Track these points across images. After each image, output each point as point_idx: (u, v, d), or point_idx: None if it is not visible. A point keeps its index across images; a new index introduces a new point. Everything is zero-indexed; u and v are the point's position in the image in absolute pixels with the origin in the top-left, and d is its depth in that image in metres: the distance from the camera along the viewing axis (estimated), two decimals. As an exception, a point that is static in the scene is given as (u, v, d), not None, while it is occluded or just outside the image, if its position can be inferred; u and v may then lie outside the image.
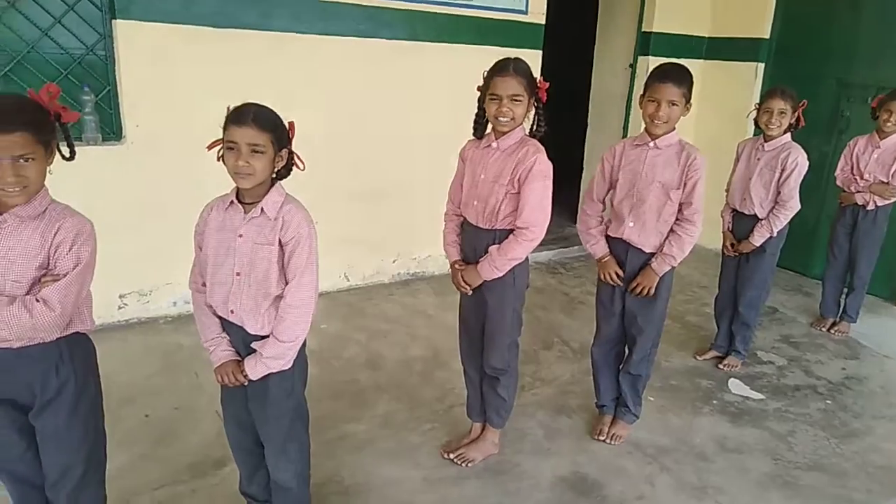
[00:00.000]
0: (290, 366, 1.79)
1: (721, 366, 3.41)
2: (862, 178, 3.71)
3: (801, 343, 3.79)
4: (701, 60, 5.54)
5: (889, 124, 3.56)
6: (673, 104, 2.30)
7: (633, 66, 5.34)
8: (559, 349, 3.53)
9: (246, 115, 1.62)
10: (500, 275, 2.19)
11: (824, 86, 4.84)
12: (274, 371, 1.76)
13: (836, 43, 4.74)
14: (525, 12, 4.41)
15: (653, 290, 2.43)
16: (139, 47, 3.23)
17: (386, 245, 4.34)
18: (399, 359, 3.29)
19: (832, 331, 3.95)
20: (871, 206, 3.68)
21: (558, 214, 6.11)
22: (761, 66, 5.19)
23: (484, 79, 2.15)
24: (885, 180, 3.62)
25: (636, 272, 2.45)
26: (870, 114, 3.69)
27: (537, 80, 2.15)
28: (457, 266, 2.30)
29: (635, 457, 2.59)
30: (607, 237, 2.53)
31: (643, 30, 5.22)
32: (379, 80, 3.96)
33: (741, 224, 3.29)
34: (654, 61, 5.25)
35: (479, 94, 2.19)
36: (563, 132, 6.46)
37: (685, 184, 2.35)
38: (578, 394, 3.04)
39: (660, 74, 2.34)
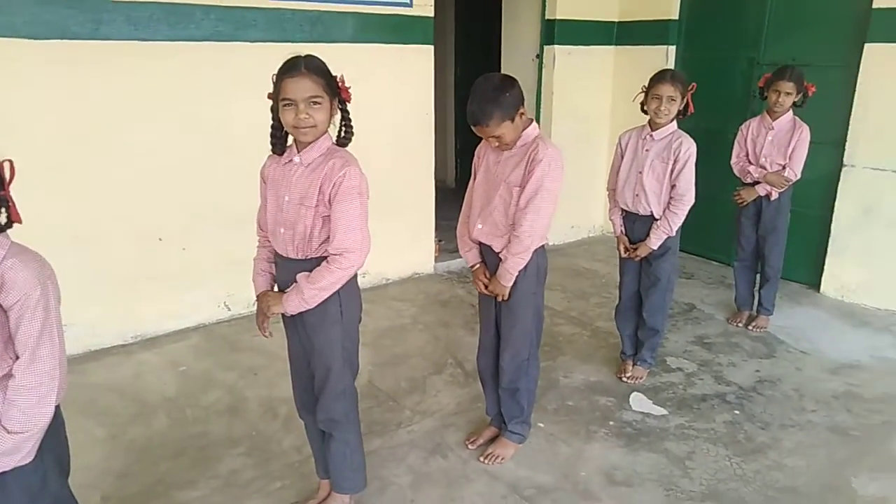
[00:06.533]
0: (31, 458, 1.42)
1: (625, 378, 3.12)
2: (758, 163, 3.46)
3: (714, 344, 3.52)
4: (613, 47, 5.29)
5: (778, 104, 3.32)
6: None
7: (539, 56, 5.05)
8: (451, 373, 3.21)
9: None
10: (310, 307, 1.85)
11: (736, 65, 4.61)
12: (7, 470, 1.39)
13: (745, 20, 4.51)
14: (409, 5, 4.07)
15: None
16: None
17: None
18: (263, 401, 2.92)
19: (750, 326, 3.70)
20: (774, 196, 3.44)
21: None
22: (672, 48, 4.93)
23: (273, 83, 1.81)
24: (783, 162, 3.38)
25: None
26: (758, 94, 3.45)
27: (337, 79, 1.81)
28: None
29: (509, 502, 2.27)
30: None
31: (546, 17, 4.92)
32: (246, 88, 3.58)
33: (636, 225, 2.97)
34: (560, 50, 4.97)
35: (270, 101, 1.84)
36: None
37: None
38: (461, 426, 2.72)
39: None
